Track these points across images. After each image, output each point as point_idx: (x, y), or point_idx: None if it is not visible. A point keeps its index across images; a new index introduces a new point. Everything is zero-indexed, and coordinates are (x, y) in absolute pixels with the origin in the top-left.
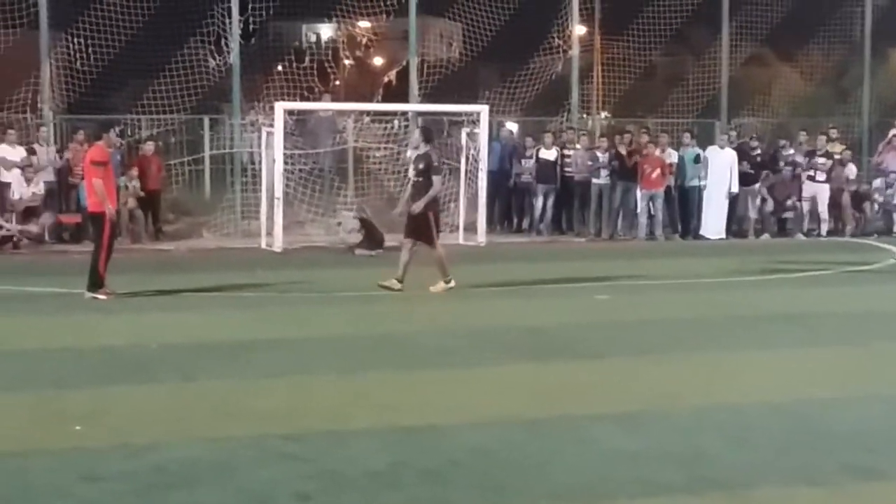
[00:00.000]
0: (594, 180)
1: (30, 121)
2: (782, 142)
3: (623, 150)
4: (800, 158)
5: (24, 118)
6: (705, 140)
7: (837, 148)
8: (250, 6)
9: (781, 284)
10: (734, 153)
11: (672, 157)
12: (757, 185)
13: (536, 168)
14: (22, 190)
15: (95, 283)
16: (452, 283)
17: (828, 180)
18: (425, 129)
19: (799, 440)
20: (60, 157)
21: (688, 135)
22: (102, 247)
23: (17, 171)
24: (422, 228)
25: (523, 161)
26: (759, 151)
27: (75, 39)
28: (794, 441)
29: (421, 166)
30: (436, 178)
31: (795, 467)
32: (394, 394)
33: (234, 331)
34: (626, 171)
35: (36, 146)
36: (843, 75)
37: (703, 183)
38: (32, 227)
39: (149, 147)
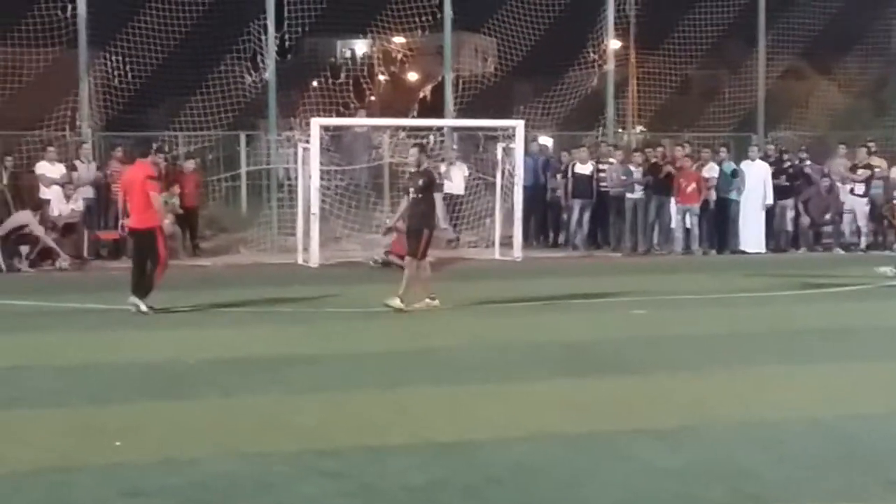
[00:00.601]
0: (628, 195)
1: (69, 138)
2: (801, 154)
3: (657, 163)
4: (835, 171)
5: (63, 135)
6: (743, 154)
7: (877, 161)
8: (286, 23)
9: (820, 299)
10: (767, 166)
11: (713, 171)
12: (791, 199)
13: (572, 183)
14: (61, 206)
15: (144, 288)
16: (401, 305)
17: (866, 194)
18: (421, 146)
19: (840, 456)
20: (101, 174)
21: (724, 149)
22: (160, 261)
23: (56, 188)
24: (414, 242)
25: (558, 176)
26: (789, 164)
27: (114, 57)
28: (834, 457)
29: (421, 183)
30: (437, 196)
31: (836, 483)
32: (431, 409)
33: (271, 346)
34: (660, 186)
35: (77, 163)
36: (881, 88)
37: (740, 197)
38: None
39: (189, 165)
